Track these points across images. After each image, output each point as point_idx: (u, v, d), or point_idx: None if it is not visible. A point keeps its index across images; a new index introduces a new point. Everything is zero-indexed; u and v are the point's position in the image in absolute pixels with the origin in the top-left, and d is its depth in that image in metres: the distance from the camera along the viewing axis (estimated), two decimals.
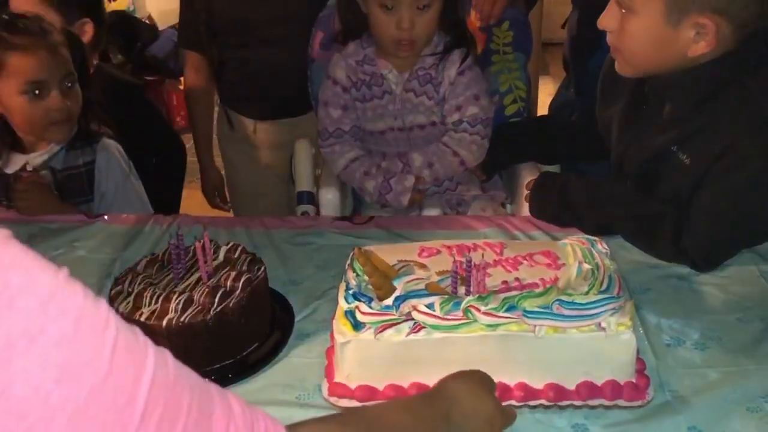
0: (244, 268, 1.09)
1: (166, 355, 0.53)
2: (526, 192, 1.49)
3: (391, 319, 0.93)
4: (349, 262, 1.02)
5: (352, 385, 0.95)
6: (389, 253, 1.05)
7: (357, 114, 1.66)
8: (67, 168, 1.61)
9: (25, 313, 0.46)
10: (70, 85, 1.55)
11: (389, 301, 0.94)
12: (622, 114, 1.40)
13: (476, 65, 1.63)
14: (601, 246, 1.05)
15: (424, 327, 0.93)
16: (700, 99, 1.23)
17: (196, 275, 1.07)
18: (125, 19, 3.58)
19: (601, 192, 1.37)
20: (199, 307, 1.01)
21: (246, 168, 2.06)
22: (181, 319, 0.98)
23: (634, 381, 0.96)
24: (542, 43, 2.91)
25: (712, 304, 1.17)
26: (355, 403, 0.94)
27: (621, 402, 0.95)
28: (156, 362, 0.51)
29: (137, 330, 0.52)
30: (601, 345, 0.93)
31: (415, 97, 1.61)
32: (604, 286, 0.96)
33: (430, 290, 0.96)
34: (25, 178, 1.56)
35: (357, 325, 0.94)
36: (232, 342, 1.04)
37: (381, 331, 0.93)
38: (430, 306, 0.93)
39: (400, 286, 0.96)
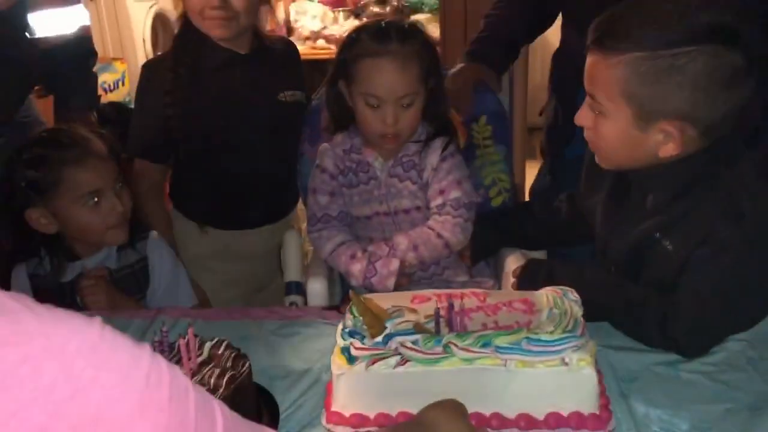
0: (228, 364, 1.09)
1: (222, 405, 0.65)
2: (512, 279, 1.54)
3: (380, 354, 1.06)
4: (348, 306, 1.15)
5: (347, 414, 1.08)
6: (384, 300, 1.18)
7: (344, 200, 1.74)
8: (121, 268, 1.63)
9: (137, 387, 0.57)
10: (119, 186, 1.59)
11: (379, 338, 1.07)
12: (605, 202, 1.46)
13: (458, 153, 1.72)
14: (573, 295, 1.17)
15: (409, 360, 1.06)
16: (680, 190, 1.29)
17: None
18: (121, 110, 3.73)
19: (586, 279, 1.39)
20: None
21: (219, 285, 1.96)
22: None
23: (597, 413, 1.07)
24: (528, 129, 3.10)
25: (700, 393, 1.17)
26: (349, 430, 1.07)
27: (585, 431, 1.06)
28: (222, 413, 0.63)
29: (200, 387, 0.63)
30: (564, 378, 1.05)
31: (399, 182, 1.70)
32: (570, 327, 1.09)
33: (417, 330, 1.09)
34: (89, 275, 1.57)
35: (351, 359, 1.07)
36: None
37: (371, 364, 1.06)
38: (415, 342, 1.06)
39: (390, 326, 1.09)
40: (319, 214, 1.74)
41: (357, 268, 1.67)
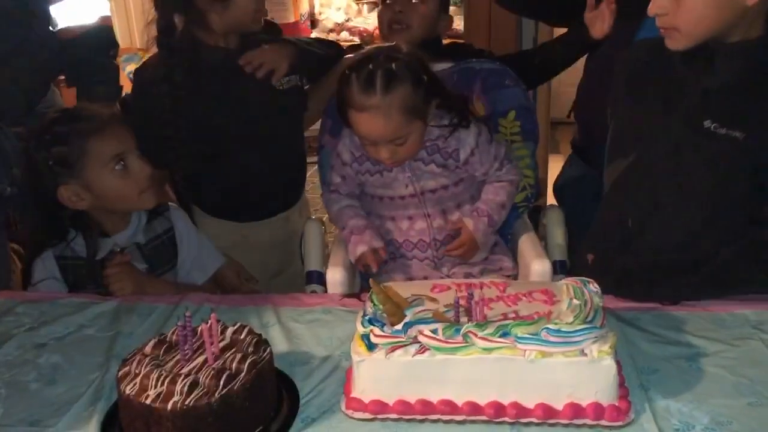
0: (250, 349, 1.10)
1: None
2: (533, 268, 1.56)
3: (400, 342, 1.07)
4: (368, 294, 1.16)
5: (366, 400, 1.09)
6: (405, 288, 1.20)
7: (355, 184, 1.79)
8: (151, 240, 1.68)
9: None
10: (139, 153, 1.62)
11: (399, 326, 1.08)
12: None
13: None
14: (593, 286, 1.17)
15: (429, 349, 1.06)
16: None
17: (203, 357, 1.08)
18: None
19: None
20: (205, 390, 1.02)
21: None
22: (186, 402, 1.00)
23: (616, 404, 1.07)
24: (551, 123, 3.09)
25: (721, 387, 1.15)
26: (368, 416, 1.08)
27: (603, 422, 1.06)
28: None
29: None
30: (584, 369, 1.05)
31: (424, 165, 1.72)
32: (590, 318, 1.09)
33: (436, 319, 1.10)
34: (113, 262, 1.60)
35: (371, 346, 1.08)
36: (237, 425, 1.05)
37: (391, 352, 1.07)
38: (434, 331, 1.07)
39: (410, 315, 1.10)
40: (331, 187, 1.83)
41: (354, 222, 1.74)
